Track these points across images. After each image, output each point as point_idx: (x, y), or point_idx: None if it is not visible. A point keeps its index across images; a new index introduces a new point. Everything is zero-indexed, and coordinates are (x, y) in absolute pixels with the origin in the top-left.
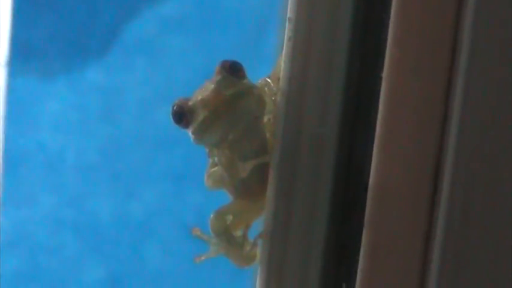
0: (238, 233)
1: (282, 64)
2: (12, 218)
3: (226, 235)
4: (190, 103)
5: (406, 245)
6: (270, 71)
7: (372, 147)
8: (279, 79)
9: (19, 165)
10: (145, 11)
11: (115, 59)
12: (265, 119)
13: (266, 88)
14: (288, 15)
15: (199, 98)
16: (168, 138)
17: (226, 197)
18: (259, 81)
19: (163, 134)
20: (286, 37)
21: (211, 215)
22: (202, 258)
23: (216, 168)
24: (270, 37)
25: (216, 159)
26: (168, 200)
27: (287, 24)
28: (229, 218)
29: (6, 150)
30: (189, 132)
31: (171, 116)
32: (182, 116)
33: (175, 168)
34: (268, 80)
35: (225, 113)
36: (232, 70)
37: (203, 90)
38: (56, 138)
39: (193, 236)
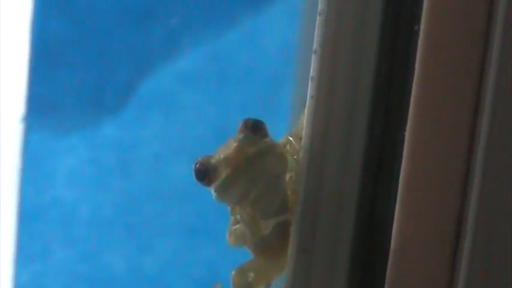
0: None
1: (304, 122)
2: (27, 272)
3: None
4: (213, 161)
5: None
6: (285, 127)
7: (394, 204)
8: (300, 138)
9: (34, 219)
10: (160, 66)
11: (130, 114)
12: (287, 177)
13: (288, 146)
14: (311, 75)
15: (222, 156)
16: (181, 193)
17: (238, 252)
18: (281, 140)
19: (177, 189)
20: (308, 95)
21: (233, 272)
22: None
23: (237, 225)
24: (284, 94)
25: (238, 216)
26: (181, 253)
27: (310, 82)
28: (251, 275)
29: (21, 205)
30: (211, 189)
31: (193, 173)
32: (205, 173)
33: (189, 222)
34: (290, 138)
35: (247, 171)
36: (254, 129)
37: (225, 148)
38: (71, 192)
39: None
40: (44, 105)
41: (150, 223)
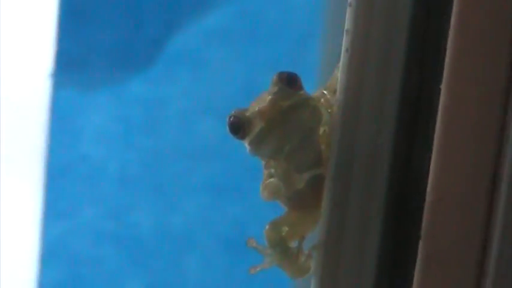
0: (293, 244)
1: (339, 75)
2: (54, 229)
3: (281, 246)
4: (247, 114)
5: (463, 257)
6: (313, 83)
7: (429, 158)
8: (335, 91)
9: (62, 176)
10: (188, 23)
11: (158, 71)
12: (321, 130)
13: (322, 100)
14: (346, 27)
15: (256, 108)
16: (208, 150)
17: (265, 209)
18: (316, 93)
19: (204, 146)
20: (343, 48)
21: (267, 226)
22: (258, 269)
23: (271, 179)
24: (312, 50)
25: (272, 170)
26: (208, 211)
27: (344, 35)
28: (285, 229)
29: (49, 162)
30: (245, 143)
31: (227, 127)
32: (239, 126)
33: (216, 180)
34: (325, 92)
35: (282, 124)
36: (289, 81)
37: (260, 100)
38: (98, 150)
39: (248, 246)
40: (72, 61)
41: (177, 181)
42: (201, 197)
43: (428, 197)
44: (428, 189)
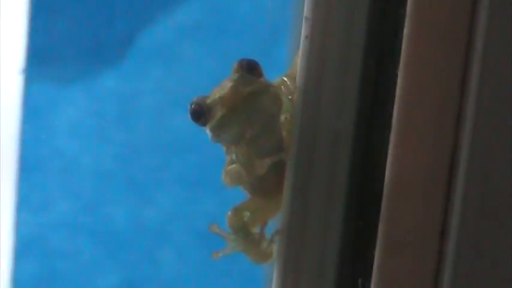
0: (256, 230)
1: (299, 62)
2: (28, 224)
3: (243, 232)
4: (208, 101)
5: (422, 240)
6: (283, 74)
7: (388, 142)
8: (295, 78)
9: (35, 170)
10: (160, 18)
11: (130, 66)
12: (282, 118)
13: (283, 87)
14: (305, 14)
15: (217, 95)
16: (182, 144)
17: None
18: (276, 80)
19: (178, 140)
20: (302, 36)
21: (229, 212)
22: (220, 254)
23: (233, 165)
24: (283, 43)
25: (233, 156)
26: (182, 205)
27: (303, 23)
28: (247, 214)
29: (22, 156)
30: (207, 129)
31: (189, 114)
32: (200, 113)
33: (190, 173)
34: (285, 79)
35: (243, 110)
36: (249, 68)
37: (221, 88)
38: (72, 143)
39: (210, 232)
40: (44, 56)
41: (151, 174)
42: (175, 191)
43: (387, 183)
44: (387, 175)
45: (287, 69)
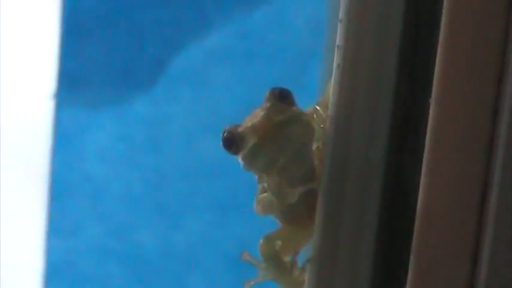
0: (287, 258)
1: (331, 91)
2: (58, 248)
3: (275, 260)
4: (240, 129)
5: (453, 269)
6: (314, 102)
7: (420, 172)
8: (327, 106)
9: (65, 195)
10: (190, 43)
11: (160, 90)
12: (314, 146)
13: (315, 115)
14: (337, 43)
15: (249, 124)
16: (212, 169)
17: (270, 228)
18: (308, 109)
19: (208, 165)
20: (334, 64)
21: (261, 240)
22: (252, 282)
23: (265, 194)
24: (314, 69)
25: (265, 185)
26: (212, 230)
27: (336, 51)
28: (278, 243)
29: (52, 181)
30: (239, 158)
31: (221, 142)
32: (232, 142)
33: (220, 199)
34: (317, 107)
35: (275, 139)
36: (281, 97)
37: (253, 116)
38: (102, 169)
39: (242, 260)
40: (75, 81)
41: (181, 200)
42: (204, 216)
43: (419, 211)
44: (419, 204)
45: (318, 96)
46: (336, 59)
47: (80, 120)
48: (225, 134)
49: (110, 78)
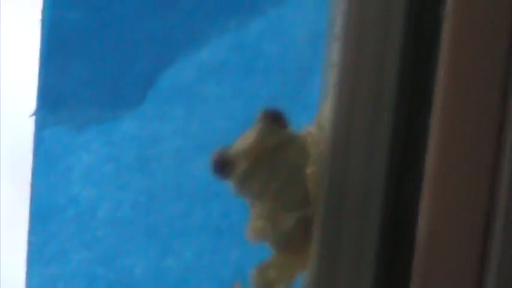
0: (282, 287)
1: (327, 112)
2: (41, 276)
3: None
4: (231, 152)
5: None
6: (313, 120)
7: (420, 199)
8: (323, 127)
9: (48, 220)
10: (182, 57)
11: (150, 108)
12: (309, 170)
13: (309, 138)
14: (334, 61)
15: (241, 147)
16: (205, 191)
17: (266, 253)
18: (302, 131)
19: (201, 186)
20: (332, 84)
21: (253, 270)
22: None
23: (257, 220)
24: (313, 85)
25: (258, 210)
26: (206, 255)
27: (333, 70)
28: (272, 272)
29: (35, 205)
30: (230, 183)
31: (211, 166)
32: (223, 166)
33: (213, 222)
34: (311, 130)
35: (267, 163)
36: (275, 119)
37: (244, 139)
38: (87, 191)
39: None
40: (58, 98)
41: (172, 223)
42: (197, 240)
43: (419, 241)
44: (418, 231)
45: (317, 111)
46: (333, 79)
47: (63, 140)
48: (215, 158)
49: (96, 95)
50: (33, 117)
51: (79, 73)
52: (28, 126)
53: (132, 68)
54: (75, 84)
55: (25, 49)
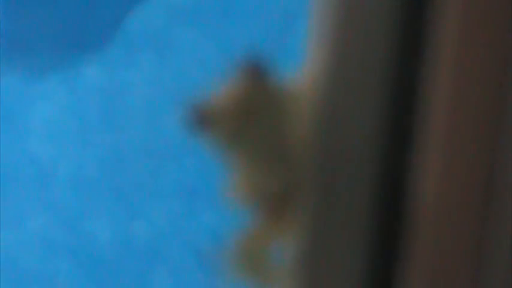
0: (264, 254)
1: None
2: None
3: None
4: (212, 108)
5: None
6: (298, 67)
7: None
8: (312, 82)
9: (5, 180)
10: None
11: (117, 54)
12: (297, 131)
13: (298, 95)
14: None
15: (223, 103)
16: (178, 148)
17: (243, 216)
18: (290, 84)
19: (174, 143)
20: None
21: (231, 237)
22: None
23: (242, 180)
24: (297, 31)
25: (242, 171)
26: (178, 219)
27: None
28: (251, 239)
29: None
30: (210, 139)
31: (187, 120)
32: (203, 119)
33: (187, 182)
34: (299, 90)
35: (253, 122)
36: (259, 74)
37: (227, 95)
38: (48, 148)
39: (209, 249)
40: (15, 45)
41: (142, 184)
42: (170, 203)
43: (424, 201)
44: (423, 193)
45: (302, 60)
46: (322, 29)
47: (21, 90)
48: (193, 113)
49: (57, 40)
50: None
51: (38, 17)
52: None
53: (96, 10)
54: (35, 28)
55: None
